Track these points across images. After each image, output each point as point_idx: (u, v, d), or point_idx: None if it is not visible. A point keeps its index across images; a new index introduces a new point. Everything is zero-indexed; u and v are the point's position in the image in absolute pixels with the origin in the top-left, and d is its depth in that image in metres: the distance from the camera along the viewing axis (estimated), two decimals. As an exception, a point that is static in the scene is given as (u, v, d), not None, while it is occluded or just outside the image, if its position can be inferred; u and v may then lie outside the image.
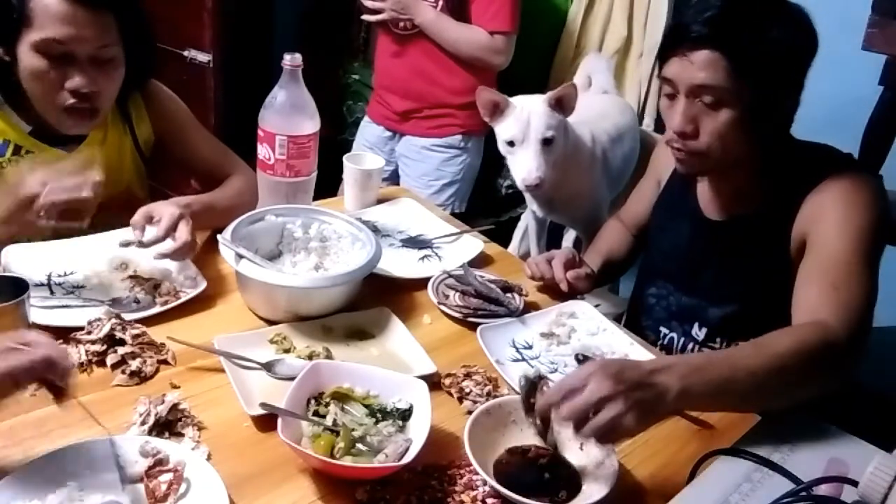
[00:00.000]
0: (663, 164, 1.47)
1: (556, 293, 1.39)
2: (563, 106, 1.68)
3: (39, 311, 1.11)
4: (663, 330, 1.39)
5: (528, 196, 1.99)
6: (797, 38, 1.13)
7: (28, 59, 1.23)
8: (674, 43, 1.16)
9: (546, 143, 1.67)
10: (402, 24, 2.26)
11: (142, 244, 1.22)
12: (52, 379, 0.87)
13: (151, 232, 1.22)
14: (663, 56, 1.19)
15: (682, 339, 1.36)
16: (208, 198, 1.41)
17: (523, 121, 1.67)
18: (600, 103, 2.16)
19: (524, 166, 1.68)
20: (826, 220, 1.14)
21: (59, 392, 0.97)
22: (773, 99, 1.14)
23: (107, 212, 1.39)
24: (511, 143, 1.69)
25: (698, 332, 1.34)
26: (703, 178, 1.32)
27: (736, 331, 1.26)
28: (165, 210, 1.23)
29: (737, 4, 1.13)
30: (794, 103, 1.19)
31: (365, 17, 2.30)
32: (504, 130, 1.69)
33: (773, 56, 1.10)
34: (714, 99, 1.13)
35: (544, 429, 0.95)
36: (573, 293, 1.38)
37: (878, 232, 1.14)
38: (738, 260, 1.28)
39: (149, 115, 1.49)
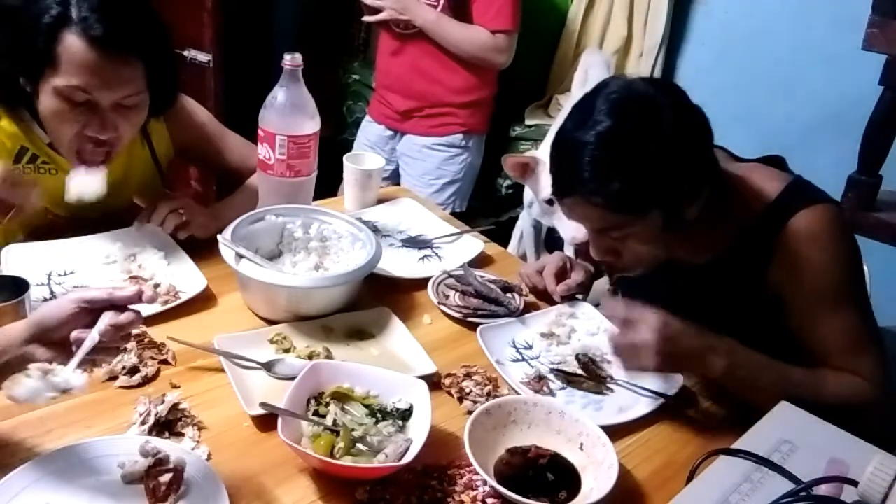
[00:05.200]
0: None
1: (555, 293, 1.38)
2: None
3: (39, 311, 1.11)
4: None
5: (530, 203, 1.95)
6: (681, 138, 1.03)
7: (48, 99, 1.19)
8: (564, 188, 1.09)
9: None
10: (402, 23, 2.26)
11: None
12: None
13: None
14: (556, 189, 1.12)
15: None
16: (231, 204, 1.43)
17: None
18: None
19: (571, 224, 1.44)
20: (809, 279, 1.10)
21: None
22: (682, 198, 1.07)
23: (108, 220, 1.39)
24: (551, 202, 1.56)
25: None
26: None
27: None
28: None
29: (612, 141, 1.02)
30: (712, 169, 1.12)
31: (365, 17, 2.30)
32: (543, 189, 1.56)
33: (663, 176, 1.02)
34: (621, 235, 1.09)
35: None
36: (564, 300, 1.36)
37: (856, 261, 1.14)
38: (704, 305, 1.18)
39: (169, 132, 1.47)
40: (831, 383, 1.10)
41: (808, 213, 1.11)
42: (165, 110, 1.39)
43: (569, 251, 2.20)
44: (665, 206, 1.06)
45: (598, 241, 1.12)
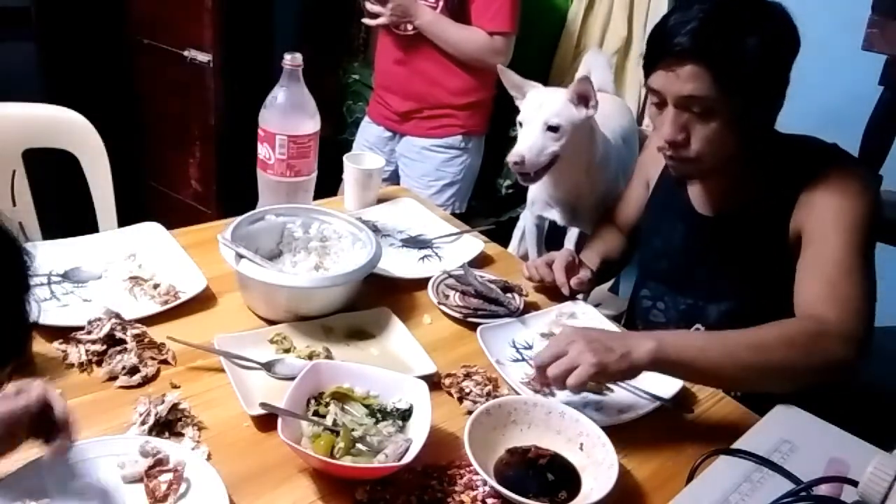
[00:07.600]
0: (651, 165, 1.47)
1: (555, 293, 1.38)
2: (584, 102, 1.66)
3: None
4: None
5: (535, 200, 1.96)
6: (778, 40, 1.12)
7: None
8: (658, 55, 1.15)
9: (550, 129, 1.64)
10: (402, 25, 2.26)
11: None
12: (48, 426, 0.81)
13: None
14: (648, 66, 1.18)
15: None
16: None
17: (535, 103, 1.67)
18: (602, 104, 2.14)
19: (518, 145, 1.65)
20: (821, 214, 1.15)
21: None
22: (759, 102, 1.15)
23: None
24: (522, 125, 1.69)
25: None
26: (693, 182, 1.32)
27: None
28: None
29: (717, 14, 1.10)
30: (781, 100, 1.19)
31: (365, 20, 2.30)
32: (521, 111, 1.71)
33: (755, 64, 1.09)
34: (702, 108, 1.13)
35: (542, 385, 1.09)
36: (573, 294, 1.38)
37: (871, 223, 1.15)
38: (732, 255, 1.28)
39: None
40: (770, 328, 1.05)
41: (839, 167, 1.18)
42: None
43: (570, 244, 2.21)
44: (749, 98, 1.12)
45: (676, 115, 1.15)
